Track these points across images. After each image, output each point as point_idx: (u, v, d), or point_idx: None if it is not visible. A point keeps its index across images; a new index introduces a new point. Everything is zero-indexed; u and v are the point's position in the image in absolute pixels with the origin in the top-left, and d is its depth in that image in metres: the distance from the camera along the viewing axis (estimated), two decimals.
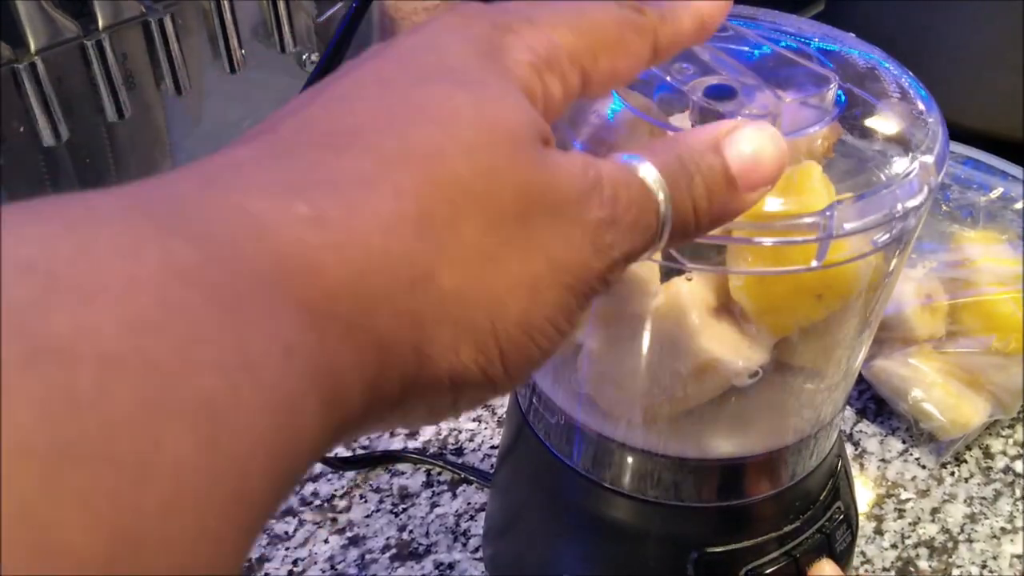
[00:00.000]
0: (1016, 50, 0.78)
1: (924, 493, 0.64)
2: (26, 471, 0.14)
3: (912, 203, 0.31)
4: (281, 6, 0.69)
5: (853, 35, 0.38)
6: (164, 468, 0.15)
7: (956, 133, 0.77)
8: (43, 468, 0.14)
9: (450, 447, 0.66)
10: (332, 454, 0.65)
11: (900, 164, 0.32)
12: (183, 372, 0.16)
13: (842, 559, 0.42)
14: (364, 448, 0.66)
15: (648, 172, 0.26)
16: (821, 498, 0.41)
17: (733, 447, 0.37)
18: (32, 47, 0.58)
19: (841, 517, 0.42)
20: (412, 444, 0.66)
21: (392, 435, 0.66)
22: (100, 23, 0.61)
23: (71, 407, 0.15)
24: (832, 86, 0.33)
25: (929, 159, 0.32)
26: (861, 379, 0.69)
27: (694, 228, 0.27)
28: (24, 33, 0.58)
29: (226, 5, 0.67)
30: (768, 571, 0.40)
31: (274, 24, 0.70)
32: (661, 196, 0.26)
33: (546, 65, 0.26)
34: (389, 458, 0.65)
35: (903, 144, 0.33)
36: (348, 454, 0.65)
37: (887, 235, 0.31)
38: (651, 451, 0.37)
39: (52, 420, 0.14)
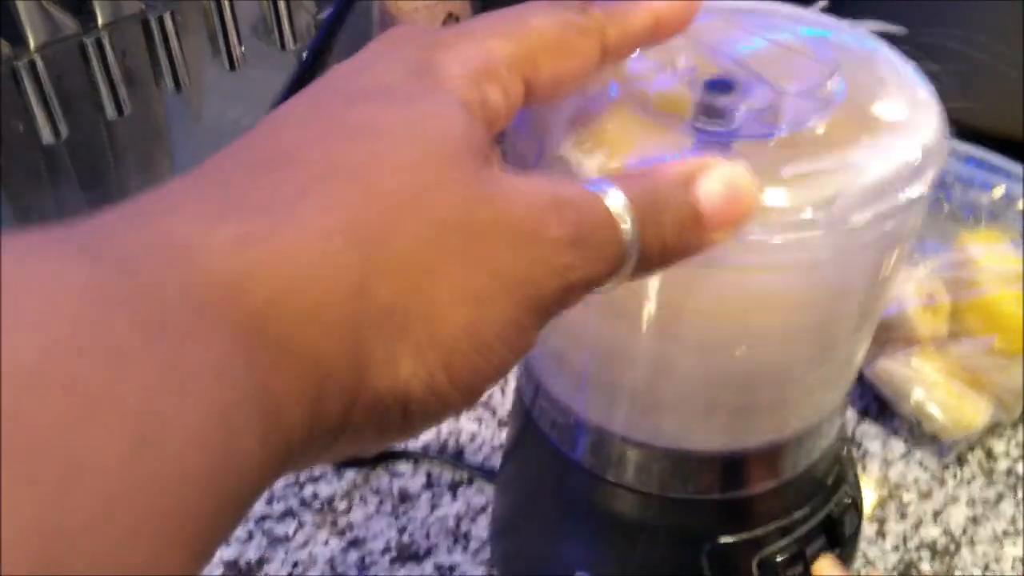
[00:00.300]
0: (1019, 47, 0.77)
1: (926, 495, 0.64)
2: None
3: (916, 191, 0.31)
4: (281, 3, 0.69)
5: (848, 21, 0.38)
6: (90, 477, 0.16)
7: (959, 131, 0.77)
8: None
9: (451, 449, 0.66)
10: None
11: (903, 152, 0.32)
12: (105, 390, 0.17)
13: (850, 543, 0.43)
14: None
15: (615, 200, 0.25)
16: (828, 483, 0.42)
17: (737, 439, 0.37)
18: (31, 44, 0.58)
19: (848, 501, 0.43)
20: (413, 445, 0.66)
21: None
22: (100, 20, 0.61)
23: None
24: (833, 76, 0.33)
25: (932, 144, 0.32)
26: (863, 380, 0.69)
27: (658, 261, 0.27)
28: (23, 30, 0.58)
29: (226, 3, 0.66)
30: (780, 558, 0.40)
31: (274, 21, 0.69)
32: (627, 226, 0.25)
33: (483, 76, 0.26)
34: (391, 456, 0.65)
35: (905, 131, 0.33)
36: None
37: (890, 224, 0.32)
38: (656, 445, 0.37)
39: None
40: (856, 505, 0.43)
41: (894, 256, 0.33)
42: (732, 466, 0.38)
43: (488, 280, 0.23)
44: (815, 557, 0.41)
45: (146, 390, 0.17)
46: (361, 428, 0.23)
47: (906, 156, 0.31)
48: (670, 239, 0.26)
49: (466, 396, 0.24)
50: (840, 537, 0.42)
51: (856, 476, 0.45)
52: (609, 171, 0.30)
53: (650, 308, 0.33)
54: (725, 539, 0.39)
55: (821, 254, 0.31)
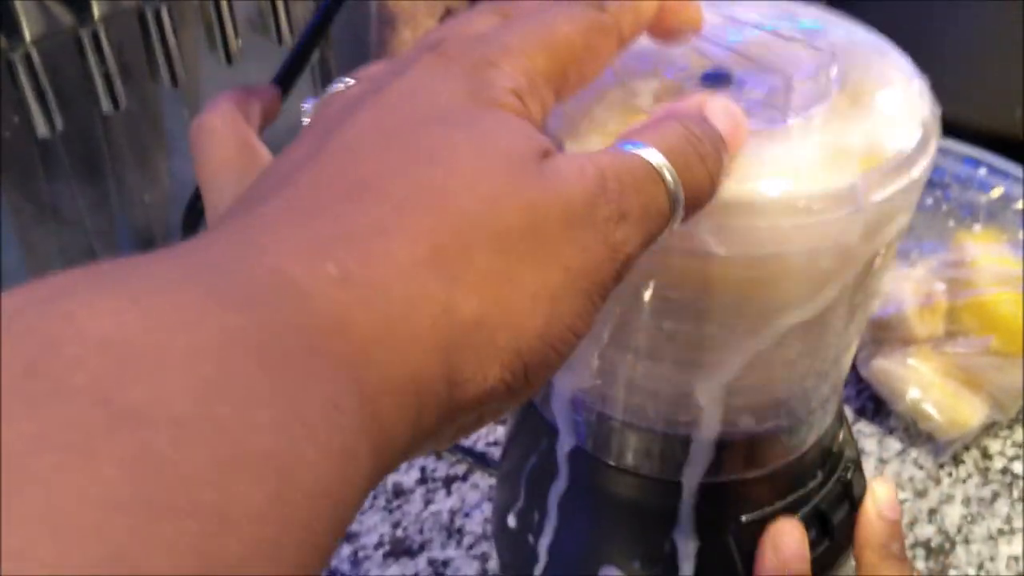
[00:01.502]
0: (1017, 47, 0.77)
1: (922, 494, 0.64)
2: (115, 521, 0.15)
3: (920, 169, 0.32)
4: None
5: (813, 6, 0.38)
6: (239, 519, 0.17)
7: (957, 131, 0.77)
8: (131, 519, 0.15)
9: None
10: None
11: (907, 128, 0.32)
12: (246, 432, 0.18)
13: (859, 503, 0.44)
14: None
15: (652, 156, 0.26)
16: (834, 450, 0.43)
17: (745, 419, 0.37)
18: (27, 37, 0.58)
19: (853, 465, 0.44)
20: None
21: None
22: (96, 13, 0.61)
23: (151, 464, 0.16)
24: (828, 64, 0.33)
25: (927, 119, 0.33)
26: (859, 379, 0.69)
27: (707, 195, 0.28)
28: (19, 23, 0.58)
29: None
30: (803, 528, 0.40)
31: (271, 15, 0.69)
32: (670, 177, 0.26)
33: (528, 92, 0.27)
34: None
35: (903, 109, 0.33)
36: None
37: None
38: (667, 431, 0.38)
39: (136, 476, 0.16)
40: (859, 467, 0.44)
41: (898, 232, 0.34)
42: (741, 448, 0.39)
43: (560, 276, 0.24)
44: (840, 522, 0.42)
45: (277, 432, 0.18)
46: (444, 431, 0.24)
47: (910, 131, 0.32)
48: (712, 170, 0.28)
49: (535, 387, 0.25)
50: (853, 498, 0.43)
51: (852, 438, 0.46)
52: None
53: (649, 294, 0.33)
54: (747, 517, 0.40)
55: (845, 235, 0.31)
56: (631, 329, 0.35)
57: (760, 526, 0.40)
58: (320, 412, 0.19)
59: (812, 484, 0.41)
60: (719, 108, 0.29)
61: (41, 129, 0.60)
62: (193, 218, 0.45)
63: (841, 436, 0.43)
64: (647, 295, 0.33)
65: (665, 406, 0.37)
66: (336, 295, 0.21)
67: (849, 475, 0.43)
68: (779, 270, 0.32)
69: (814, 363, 0.36)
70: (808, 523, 0.41)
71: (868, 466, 0.65)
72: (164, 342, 0.18)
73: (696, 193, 0.27)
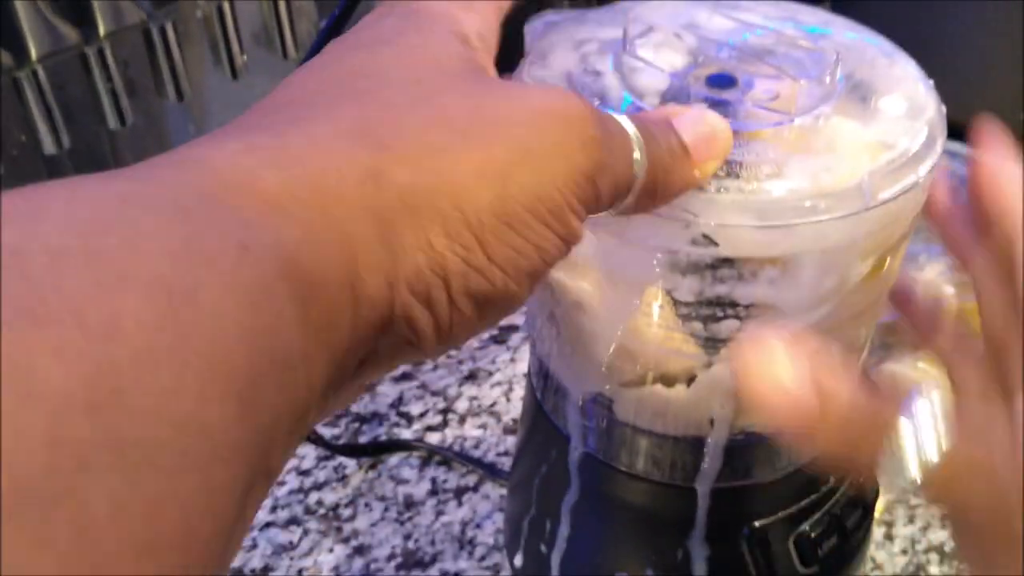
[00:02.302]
0: (1019, 48, 0.77)
1: None
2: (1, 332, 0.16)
3: (926, 168, 0.32)
4: (283, 12, 0.69)
5: (819, 9, 0.38)
6: (129, 330, 0.17)
7: (962, 132, 0.77)
8: (14, 329, 0.16)
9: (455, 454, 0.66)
10: (341, 441, 0.65)
11: (913, 127, 0.32)
12: (132, 260, 0.18)
13: (871, 508, 0.44)
14: (375, 438, 0.65)
15: (629, 125, 0.27)
16: None
17: (757, 423, 0.37)
18: (33, 55, 0.58)
19: None
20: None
21: (397, 427, 0.66)
22: (101, 30, 0.61)
23: (29, 283, 0.16)
24: (834, 64, 0.33)
25: (934, 118, 0.33)
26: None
27: (657, 193, 0.28)
28: (25, 41, 0.58)
29: (227, 11, 0.66)
30: (815, 532, 0.41)
31: (276, 30, 0.70)
32: (637, 151, 0.27)
33: (462, 8, 0.29)
34: (400, 447, 0.66)
35: (909, 108, 0.33)
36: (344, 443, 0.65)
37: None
38: (678, 436, 0.38)
39: (15, 294, 0.16)
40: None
41: (909, 227, 0.34)
42: (753, 453, 0.39)
43: (509, 155, 0.24)
44: (853, 526, 0.42)
45: (173, 259, 0.18)
46: (410, 311, 0.24)
47: (916, 129, 0.32)
48: (668, 164, 0.28)
49: (511, 274, 0.25)
50: (866, 501, 0.43)
51: None
52: None
53: (658, 297, 0.33)
54: (760, 522, 0.40)
55: (856, 231, 0.31)
56: (640, 333, 0.35)
57: (773, 531, 0.40)
58: (220, 247, 0.19)
59: (825, 488, 0.41)
60: (688, 119, 0.29)
61: (48, 146, 0.60)
62: None
63: None
64: (657, 297, 0.33)
65: (676, 411, 0.37)
66: (241, 160, 0.21)
67: (861, 479, 0.43)
68: (787, 270, 0.32)
69: (842, 354, 0.36)
70: (822, 527, 0.41)
71: None
72: (41, 199, 0.18)
73: (650, 181, 0.28)
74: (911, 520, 0.62)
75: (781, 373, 0.28)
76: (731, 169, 0.30)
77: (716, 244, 0.31)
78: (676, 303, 0.33)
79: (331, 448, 0.64)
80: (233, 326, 0.18)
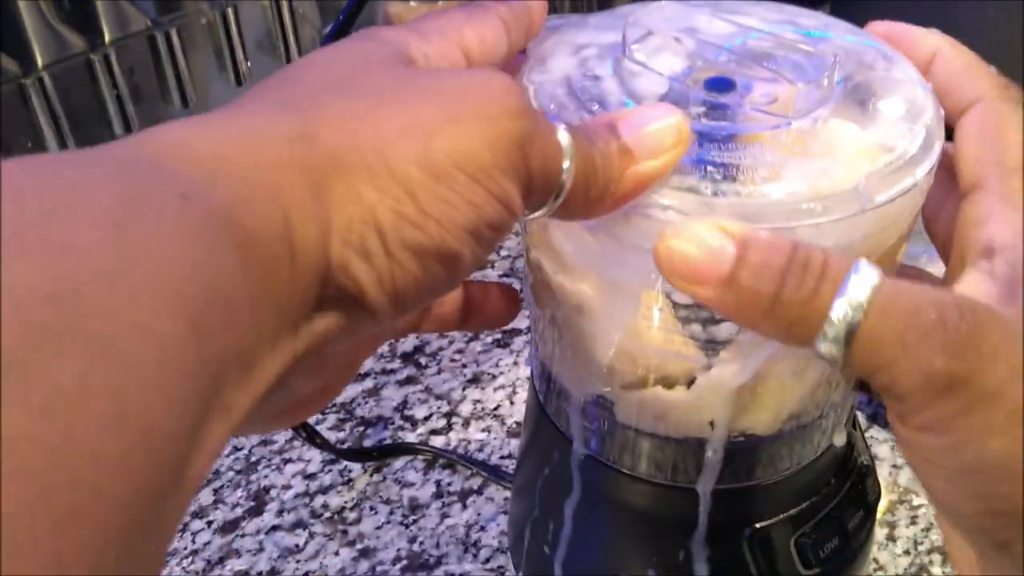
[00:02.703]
0: (1020, 50, 0.78)
1: None
2: None
3: (928, 166, 0.32)
4: (286, 18, 0.69)
5: (819, 13, 0.38)
6: (83, 247, 0.18)
7: None
8: None
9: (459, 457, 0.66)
10: (346, 445, 0.65)
11: (911, 130, 0.32)
12: (83, 197, 0.19)
13: (873, 508, 0.44)
14: (379, 441, 0.66)
15: (562, 134, 0.28)
16: (848, 456, 0.43)
17: (758, 425, 0.37)
18: (39, 62, 0.59)
19: (866, 469, 0.44)
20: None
21: (402, 430, 0.66)
22: (106, 38, 0.61)
23: None
24: (832, 67, 0.33)
25: (932, 121, 0.33)
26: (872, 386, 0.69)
27: (593, 189, 0.29)
28: (31, 48, 0.58)
29: (232, 18, 0.67)
30: (818, 533, 0.41)
31: (279, 36, 0.70)
32: (567, 160, 0.28)
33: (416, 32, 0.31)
34: (405, 451, 0.66)
35: (907, 111, 0.33)
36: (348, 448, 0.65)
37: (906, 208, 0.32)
38: (680, 438, 0.38)
39: None
40: (872, 471, 0.44)
41: (907, 228, 0.34)
42: (755, 454, 0.39)
43: (436, 110, 0.26)
44: (855, 527, 0.42)
45: (119, 199, 0.20)
46: (347, 261, 0.24)
47: (914, 132, 0.32)
48: (602, 165, 0.29)
49: (446, 227, 0.26)
50: (867, 502, 0.43)
51: (865, 441, 0.46)
52: None
53: (658, 300, 0.33)
54: (762, 523, 0.40)
55: (853, 234, 0.31)
56: (640, 335, 0.35)
57: (775, 533, 0.40)
58: (161, 196, 0.21)
59: (826, 490, 0.41)
60: (630, 119, 0.30)
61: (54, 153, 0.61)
62: None
63: (854, 442, 0.44)
64: (657, 300, 0.33)
65: (677, 413, 0.37)
66: (174, 132, 0.23)
67: (863, 481, 0.43)
68: None
69: (824, 369, 0.36)
70: (823, 528, 0.41)
71: (882, 472, 0.65)
72: (10, 163, 0.20)
73: (583, 182, 0.29)
74: (914, 521, 0.62)
75: (699, 230, 0.28)
76: (728, 172, 0.31)
77: None
78: (675, 305, 0.33)
79: (336, 452, 0.64)
80: (179, 260, 0.20)
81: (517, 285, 0.80)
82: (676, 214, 0.30)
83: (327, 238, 0.24)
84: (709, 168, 0.31)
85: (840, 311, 0.27)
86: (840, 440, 0.41)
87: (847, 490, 0.42)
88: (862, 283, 0.27)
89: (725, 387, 0.35)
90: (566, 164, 0.28)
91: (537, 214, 0.29)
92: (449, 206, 0.25)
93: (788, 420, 0.37)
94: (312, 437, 0.60)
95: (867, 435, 0.67)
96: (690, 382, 0.35)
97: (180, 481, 0.19)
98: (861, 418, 0.68)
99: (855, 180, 0.30)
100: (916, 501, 0.63)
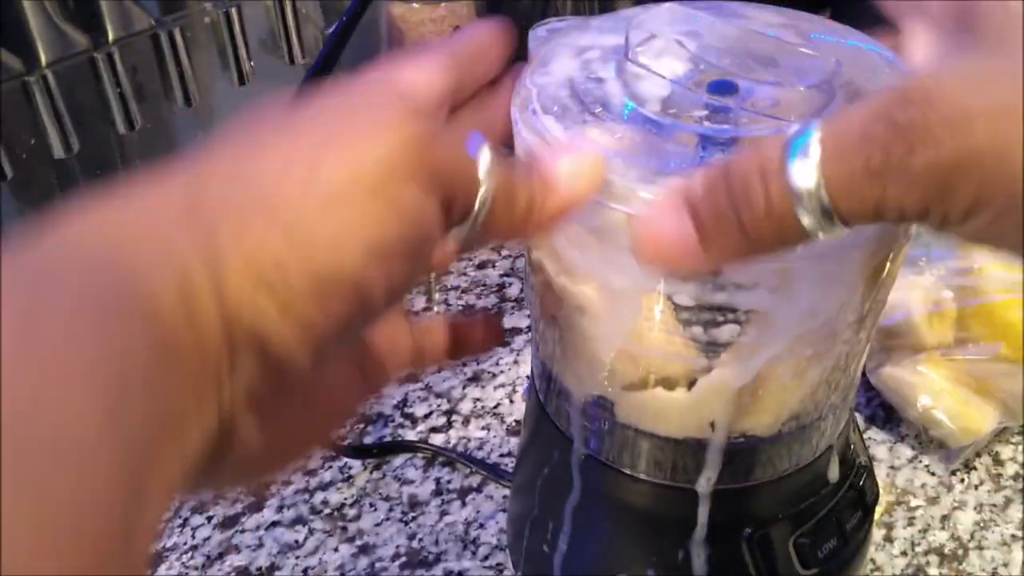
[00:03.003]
0: None
1: (934, 500, 0.64)
2: None
3: None
4: (289, 18, 0.70)
5: (822, 18, 0.38)
6: None
7: None
8: None
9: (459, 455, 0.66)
10: (346, 442, 0.65)
11: None
12: None
13: (871, 510, 0.44)
14: (379, 439, 0.66)
15: (484, 154, 0.28)
16: (846, 457, 0.43)
17: (758, 426, 0.38)
18: (43, 60, 0.59)
19: (865, 472, 0.44)
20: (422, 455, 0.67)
21: (402, 428, 0.67)
22: (110, 36, 0.61)
23: None
24: (834, 72, 0.33)
25: None
26: (870, 386, 0.69)
27: (519, 212, 0.29)
28: (35, 46, 0.59)
29: (235, 17, 0.67)
30: (816, 534, 0.41)
31: (283, 36, 0.70)
32: (484, 171, 0.28)
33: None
34: (405, 448, 0.66)
35: None
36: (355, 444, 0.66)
37: None
38: (680, 438, 0.38)
39: None
40: (871, 473, 0.45)
41: (892, 250, 0.34)
42: (754, 454, 0.39)
43: (320, 134, 0.26)
44: (853, 528, 0.42)
45: (23, 290, 0.21)
46: (254, 297, 0.24)
47: None
48: (522, 185, 0.29)
49: (344, 248, 0.25)
50: (866, 503, 0.43)
51: (865, 448, 0.46)
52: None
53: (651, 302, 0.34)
54: (761, 524, 0.40)
55: (856, 238, 0.31)
56: (641, 337, 0.35)
57: (774, 533, 0.40)
58: (63, 284, 0.21)
59: (825, 490, 0.42)
60: (548, 157, 0.31)
61: (57, 150, 0.61)
62: None
63: (853, 443, 0.44)
64: (658, 302, 0.34)
65: (677, 414, 0.37)
66: (84, 217, 0.24)
67: (861, 481, 0.43)
68: (780, 278, 0.32)
69: (824, 371, 0.36)
70: (822, 529, 0.41)
71: (880, 473, 0.65)
72: None
73: (503, 206, 0.29)
74: (911, 522, 0.62)
75: (655, 217, 0.28)
76: None
77: None
78: (676, 308, 0.33)
79: (336, 449, 0.65)
80: (88, 345, 0.20)
81: (517, 285, 0.80)
82: None
83: (224, 277, 0.24)
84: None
85: (799, 184, 0.25)
86: (833, 475, 0.41)
87: (845, 491, 0.43)
88: (802, 148, 0.25)
89: (726, 389, 0.35)
90: (483, 172, 0.28)
91: (463, 228, 0.29)
92: (345, 225, 0.25)
93: (788, 421, 0.37)
94: None
95: (865, 436, 0.67)
96: (691, 383, 0.36)
97: (127, 549, 0.20)
98: (859, 419, 0.68)
99: None
100: (913, 502, 0.63)
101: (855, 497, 0.43)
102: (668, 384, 0.36)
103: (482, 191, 0.28)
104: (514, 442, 0.67)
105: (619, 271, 0.34)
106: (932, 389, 0.65)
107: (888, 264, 0.35)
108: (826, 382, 0.37)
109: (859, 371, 0.40)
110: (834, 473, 0.42)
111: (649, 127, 0.33)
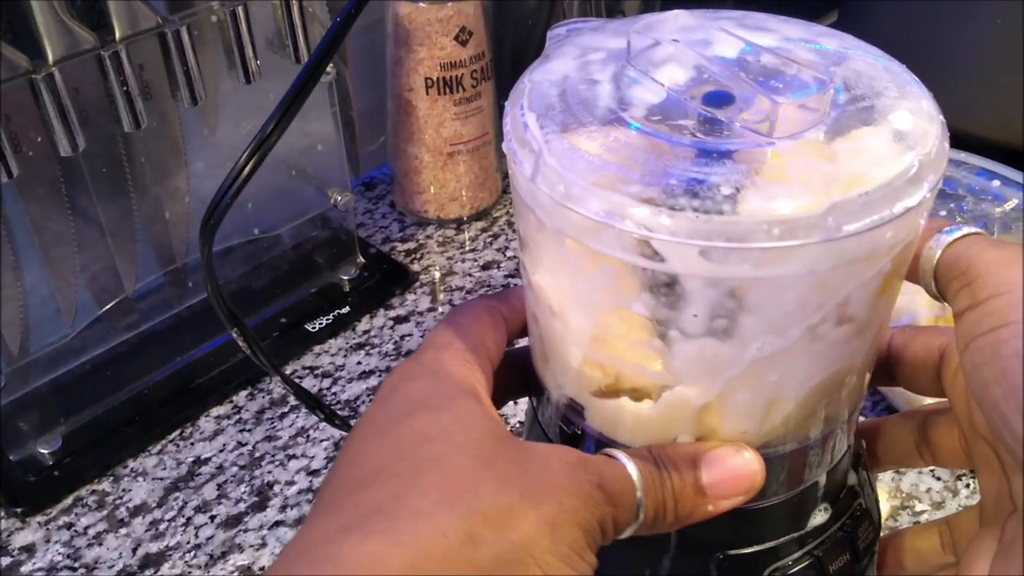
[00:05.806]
0: (1020, 58, 0.78)
1: (939, 505, 0.64)
2: None
3: (911, 202, 0.31)
4: (296, 17, 0.70)
5: (846, 34, 0.38)
6: None
7: (970, 143, 0.77)
8: None
9: None
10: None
11: (900, 162, 0.31)
12: None
13: (864, 556, 0.42)
14: None
15: (630, 466, 0.34)
16: (841, 496, 0.41)
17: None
18: (49, 58, 0.59)
19: (860, 514, 0.42)
20: None
21: None
22: (117, 34, 0.62)
23: None
24: (829, 87, 0.33)
25: (929, 155, 0.32)
26: (875, 390, 0.69)
27: (664, 522, 0.34)
28: (41, 44, 0.59)
29: (241, 16, 0.67)
30: (792, 571, 0.39)
31: (289, 35, 0.70)
32: (638, 489, 0.33)
33: (473, 356, 0.37)
34: None
35: (903, 140, 0.32)
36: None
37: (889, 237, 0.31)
38: None
39: None
40: (871, 517, 0.43)
41: (893, 265, 0.33)
42: None
43: (553, 510, 0.31)
44: (837, 571, 0.41)
45: None
46: None
47: (903, 165, 0.31)
48: (670, 504, 0.34)
49: None
50: (856, 548, 0.42)
51: (874, 489, 0.44)
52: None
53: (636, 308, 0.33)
54: (737, 551, 0.39)
55: (817, 264, 0.30)
56: (606, 344, 0.35)
57: (748, 561, 0.39)
58: None
59: (809, 528, 0.40)
60: (715, 457, 0.35)
61: (63, 148, 0.61)
62: (208, 232, 0.46)
63: (851, 479, 0.42)
64: (623, 311, 0.33)
65: (644, 426, 0.36)
66: (366, 547, 0.28)
67: (856, 524, 0.42)
68: (758, 293, 0.31)
69: (794, 402, 0.36)
70: (802, 566, 0.40)
71: (884, 477, 0.65)
72: None
73: (652, 514, 0.34)
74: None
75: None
76: (690, 188, 0.30)
77: (663, 260, 0.30)
78: (642, 318, 0.33)
79: (340, 448, 0.65)
80: None
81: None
82: (635, 225, 0.30)
83: None
84: (673, 182, 0.30)
85: None
86: (820, 513, 0.41)
87: (835, 531, 0.41)
88: None
89: (687, 405, 0.35)
90: (638, 494, 0.33)
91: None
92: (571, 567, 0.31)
93: (761, 448, 0.36)
94: (331, 417, 0.59)
95: None
96: (658, 396, 0.35)
97: None
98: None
99: (822, 207, 0.29)
100: (918, 507, 0.63)
101: (844, 539, 0.41)
102: (636, 395, 0.35)
103: (637, 514, 0.34)
104: None
105: (588, 277, 0.33)
106: None
107: (868, 299, 0.33)
108: (802, 414, 0.36)
109: (849, 411, 0.39)
110: (821, 511, 0.41)
111: (636, 133, 0.32)
